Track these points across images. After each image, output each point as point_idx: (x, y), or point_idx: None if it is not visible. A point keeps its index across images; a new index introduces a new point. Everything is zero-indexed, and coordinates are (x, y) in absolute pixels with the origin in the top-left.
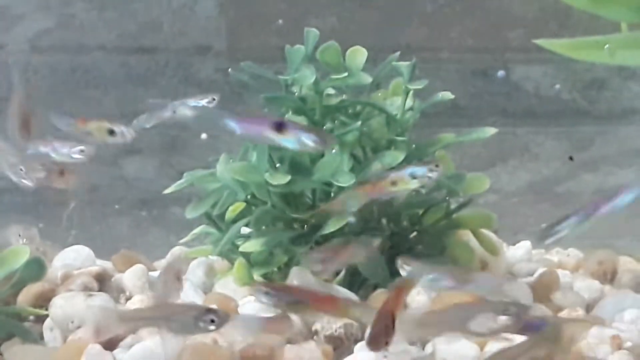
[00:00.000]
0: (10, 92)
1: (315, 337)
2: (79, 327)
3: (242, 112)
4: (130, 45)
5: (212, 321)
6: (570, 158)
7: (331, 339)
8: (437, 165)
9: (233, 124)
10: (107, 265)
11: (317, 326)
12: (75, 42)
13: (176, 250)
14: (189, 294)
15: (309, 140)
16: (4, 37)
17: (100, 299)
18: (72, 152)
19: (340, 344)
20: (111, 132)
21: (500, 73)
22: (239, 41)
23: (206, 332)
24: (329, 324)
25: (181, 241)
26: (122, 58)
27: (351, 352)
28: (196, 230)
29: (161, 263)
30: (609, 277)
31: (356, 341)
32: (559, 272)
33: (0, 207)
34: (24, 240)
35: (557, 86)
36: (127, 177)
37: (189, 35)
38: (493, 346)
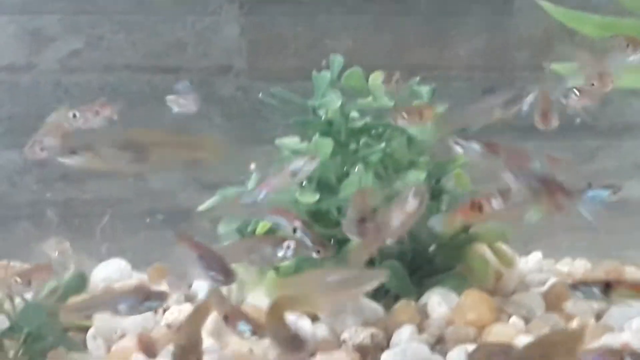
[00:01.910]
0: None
1: (343, 345)
2: (122, 337)
3: None
4: (156, 64)
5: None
6: (589, 184)
7: (359, 348)
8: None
9: None
10: (143, 277)
11: (345, 335)
12: (103, 62)
13: None
14: None
15: None
16: (37, 57)
17: None
18: None
19: (367, 353)
20: None
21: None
22: (258, 61)
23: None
24: (357, 334)
25: None
26: (147, 77)
27: None
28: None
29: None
30: None
31: (382, 350)
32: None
33: (34, 220)
34: (57, 253)
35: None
36: (153, 190)
37: (211, 56)
38: None
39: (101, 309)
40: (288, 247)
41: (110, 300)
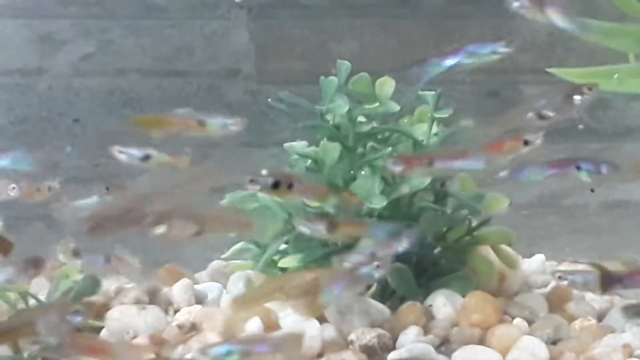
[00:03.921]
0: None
1: (350, 346)
2: (134, 337)
3: None
4: (165, 68)
5: None
6: (592, 190)
7: (365, 349)
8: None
9: None
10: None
11: (352, 336)
12: (113, 65)
13: (215, 264)
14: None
15: None
16: (48, 61)
17: (152, 312)
18: None
19: (373, 354)
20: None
21: None
22: (266, 65)
23: None
24: (364, 335)
25: (223, 256)
26: (157, 81)
27: None
28: (237, 246)
29: (201, 275)
30: None
31: (388, 350)
32: None
33: (46, 222)
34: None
35: None
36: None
37: (219, 60)
38: (514, 354)
39: None
40: None
41: None
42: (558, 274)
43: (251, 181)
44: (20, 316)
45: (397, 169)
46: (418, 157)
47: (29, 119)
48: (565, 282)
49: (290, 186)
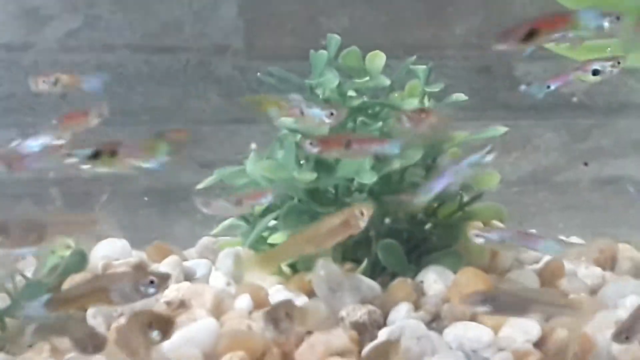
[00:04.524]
0: None
1: (341, 323)
2: (121, 315)
3: None
4: (153, 44)
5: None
6: (585, 164)
7: (356, 325)
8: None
9: None
10: (141, 255)
11: (342, 313)
12: (101, 41)
13: (204, 240)
14: (221, 283)
15: None
16: (35, 37)
17: None
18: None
19: (364, 330)
20: None
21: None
22: (256, 40)
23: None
24: (354, 311)
25: (212, 232)
26: (145, 57)
27: (375, 337)
28: (226, 223)
29: (190, 252)
30: (609, 264)
31: (379, 327)
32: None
33: (33, 199)
34: None
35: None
36: (150, 169)
37: (208, 35)
38: (506, 331)
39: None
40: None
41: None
42: (475, 233)
43: (69, 155)
44: (94, 283)
45: (314, 150)
46: (335, 139)
47: (15, 95)
48: (481, 240)
49: (113, 153)
